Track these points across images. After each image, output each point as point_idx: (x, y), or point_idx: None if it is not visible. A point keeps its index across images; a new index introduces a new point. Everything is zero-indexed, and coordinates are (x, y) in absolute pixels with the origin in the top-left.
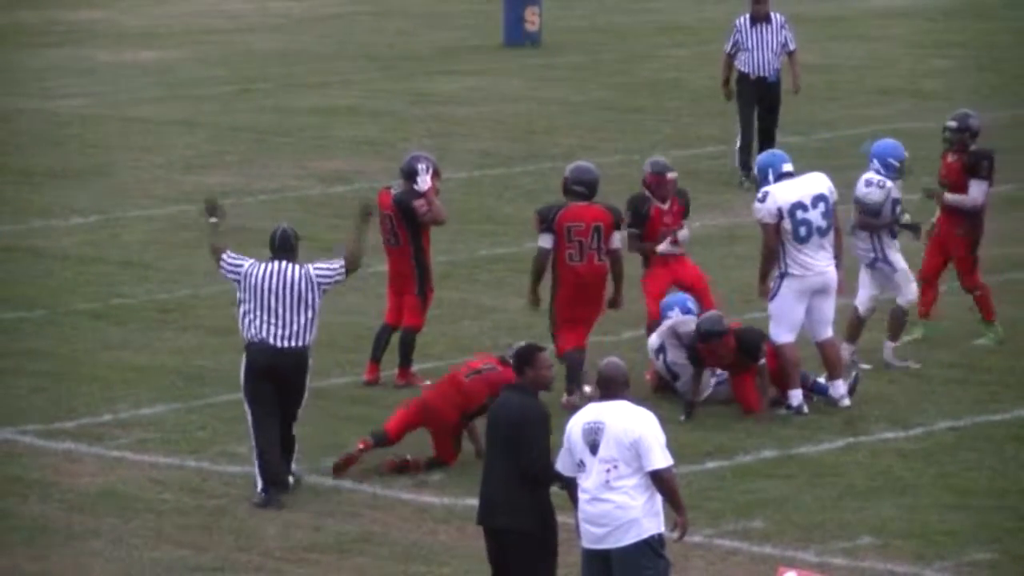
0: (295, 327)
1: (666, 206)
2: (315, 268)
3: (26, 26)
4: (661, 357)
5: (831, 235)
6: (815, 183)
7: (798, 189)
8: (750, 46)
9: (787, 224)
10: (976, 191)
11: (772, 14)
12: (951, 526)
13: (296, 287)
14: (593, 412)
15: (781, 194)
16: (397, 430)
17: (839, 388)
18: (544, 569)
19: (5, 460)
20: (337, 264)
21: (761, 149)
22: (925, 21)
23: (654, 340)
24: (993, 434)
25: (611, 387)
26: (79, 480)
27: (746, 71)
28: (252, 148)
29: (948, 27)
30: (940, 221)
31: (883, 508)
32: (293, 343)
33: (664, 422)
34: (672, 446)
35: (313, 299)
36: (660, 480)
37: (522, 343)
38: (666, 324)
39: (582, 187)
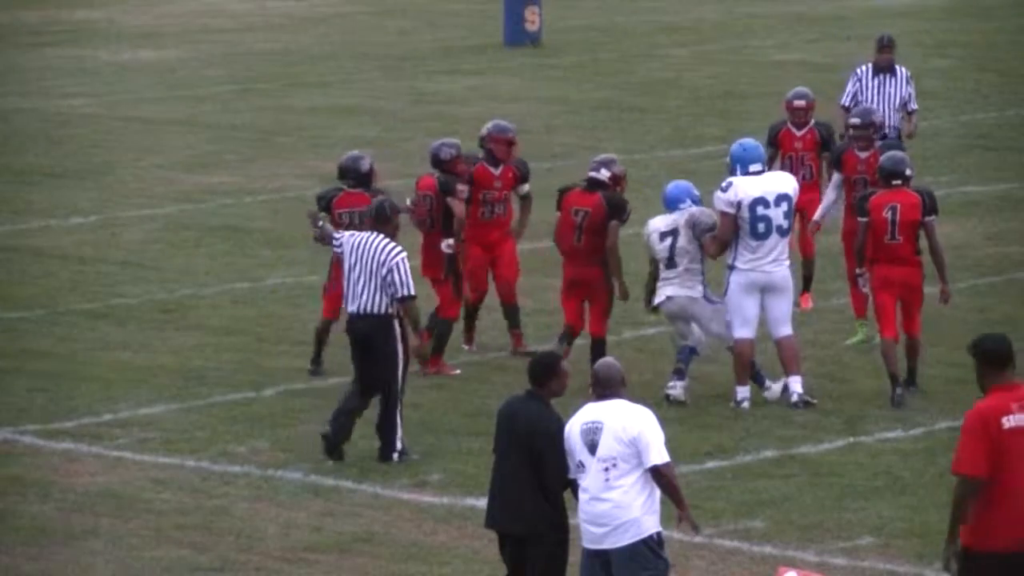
0: (366, 294)
1: (799, 132)
2: (399, 261)
3: (26, 26)
4: (668, 240)
5: (788, 237)
6: (780, 181)
7: (762, 185)
8: (868, 98)
9: (744, 218)
10: None
11: (897, 66)
12: None
13: (370, 258)
14: (591, 412)
15: (744, 187)
16: (575, 318)
17: (793, 385)
18: (559, 567)
19: (5, 460)
20: (407, 287)
21: None
22: (925, 21)
23: (662, 224)
24: None
25: (608, 387)
26: (79, 480)
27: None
28: (252, 148)
29: (948, 27)
30: (847, 220)
31: (883, 508)
32: (364, 309)
33: (662, 422)
34: (672, 446)
35: (382, 276)
36: (659, 476)
37: (542, 351)
38: (686, 212)
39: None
